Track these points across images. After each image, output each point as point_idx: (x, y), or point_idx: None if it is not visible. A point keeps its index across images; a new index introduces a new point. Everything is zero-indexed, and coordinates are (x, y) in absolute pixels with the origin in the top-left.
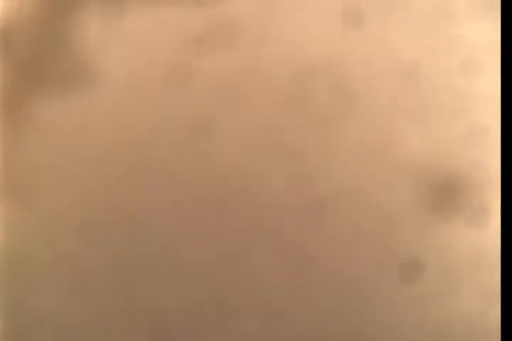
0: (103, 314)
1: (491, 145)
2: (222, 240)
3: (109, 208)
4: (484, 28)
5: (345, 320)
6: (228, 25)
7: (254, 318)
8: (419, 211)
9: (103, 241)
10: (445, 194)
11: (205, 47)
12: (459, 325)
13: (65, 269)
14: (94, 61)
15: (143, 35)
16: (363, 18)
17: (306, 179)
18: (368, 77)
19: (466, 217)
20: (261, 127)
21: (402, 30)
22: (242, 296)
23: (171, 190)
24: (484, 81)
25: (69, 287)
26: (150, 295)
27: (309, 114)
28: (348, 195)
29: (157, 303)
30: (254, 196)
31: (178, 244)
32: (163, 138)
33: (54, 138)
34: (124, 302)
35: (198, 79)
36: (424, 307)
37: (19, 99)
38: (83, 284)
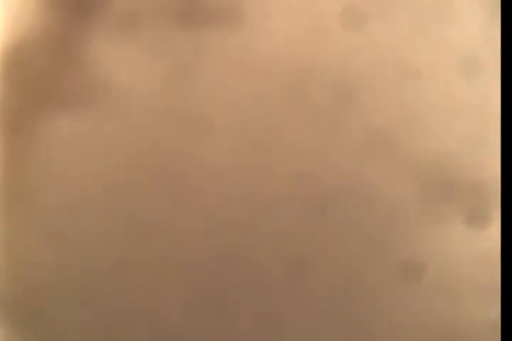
0: (103, 314)
1: (492, 145)
2: (222, 240)
3: (111, 211)
4: (484, 28)
5: (345, 320)
6: (228, 25)
7: (254, 318)
8: (419, 211)
9: (104, 244)
10: (445, 194)
11: (208, 50)
12: (459, 324)
13: (65, 270)
14: (105, 82)
15: (152, 54)
16: (363, 17)
17: (306, 180)
18: (368, 77)
19: (467, 218)
20: (261, 127)
21: (402, 30)
22: (242, 296)
23: (172, 191)
24: (484, 81)
25: (69, 288)
26: (150, 296)
27: (310, 114)
28: (349, 195)
29: (157, 304)
30: (254, 195)
31: (178, 244)
32: (168, 148)
33: (63, 151)
34: (124, 303)
35: (200, 81)
36: (424, 307)
37: (31, 115)
38: (84, 285)
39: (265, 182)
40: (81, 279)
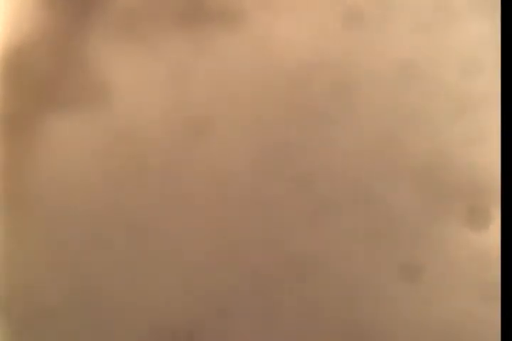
0: (103, 314)
1: (492, 145)
2: (222, 240)
3: (111, 212)
4: (484, 28)
5: (345, 320)
6: (229, 25)
7: (254, 318)
8: (419, 211)
9: (105, 243)
10: (445, 194)
11: (208, 50)
12: (459, 324)
13: (66, 271)
14: (105, 83)
15: (153, 55)
16: (363, 17)
17: (305, 180)
18: (368, 77)
19: (467, 218)
20: (261, 127)
21: (402, 30)
22: (242, 296)
23: (173, 192)
24: (484, 81)
25: (69, 289)
26: (150, 296)
27: (309, 114)
28: (348, 196)
29: (157, 304)
30: (253, 196)
31: (178, 246)
32: (169, 148)
33: (63, 152)
34: (124, 303)
35: (200, 81)
36: (424, 307)
37: (32, 117)
38: (84, 286)
39: (265, 182)
40: (81, 280)
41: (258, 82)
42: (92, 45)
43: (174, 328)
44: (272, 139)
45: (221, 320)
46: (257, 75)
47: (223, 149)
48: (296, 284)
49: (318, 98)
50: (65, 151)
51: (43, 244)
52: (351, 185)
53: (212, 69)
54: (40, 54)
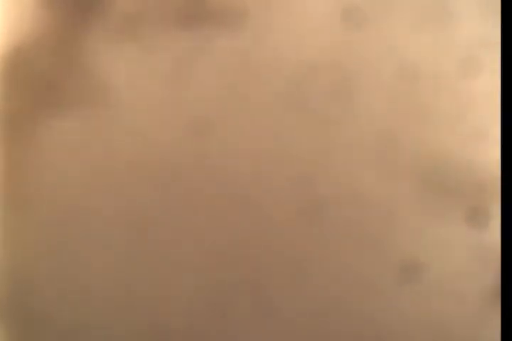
0: (103, 314)
1: (491, 145)
2: (221, 240)
3: (111, 213)
4: (484, 28)
5: (345, 321)
6: (229, 25)
7: (254, 318)
8: (419, 210)
9: (105, 244)
10: (445, 193)
11: (208, 51)
12: (459, 324)
13: (65, 270)
14: (105, 83)
15: (153, 55)
16: (363, 17)
17: (305, 180)
18: (368, 77)
19: (467, 217)
20: (260, 127)
21: (402, 30)
22: (241, 297)
23: (173, 192)
24: (484, 81)
25: (69, 288)
26: (150, 296)
27: (309, 114)
28: (348, 196)
29: (157, 304)
30: (253, 197)
31: (178, 246)
32: (169, 149)
33: (63, 152)
34: (124, 303)
35: (201, 81)
36: (424, 307)
37: (32, 117)
38: (84, 285)
39: (265, 182)
40: (81, 281)
41: (258, 81)
42: (93, 45)
43: (174, 328)
44: (272, 139)
45: (221, 320)
46: (257, 75)
47: (223, 149)
48: (295, 284)
49: (318, 97)
50: (65, 151)
51: (43, 245)
52: (351, 185)
53: (212, 69)
54: (40, 54)
